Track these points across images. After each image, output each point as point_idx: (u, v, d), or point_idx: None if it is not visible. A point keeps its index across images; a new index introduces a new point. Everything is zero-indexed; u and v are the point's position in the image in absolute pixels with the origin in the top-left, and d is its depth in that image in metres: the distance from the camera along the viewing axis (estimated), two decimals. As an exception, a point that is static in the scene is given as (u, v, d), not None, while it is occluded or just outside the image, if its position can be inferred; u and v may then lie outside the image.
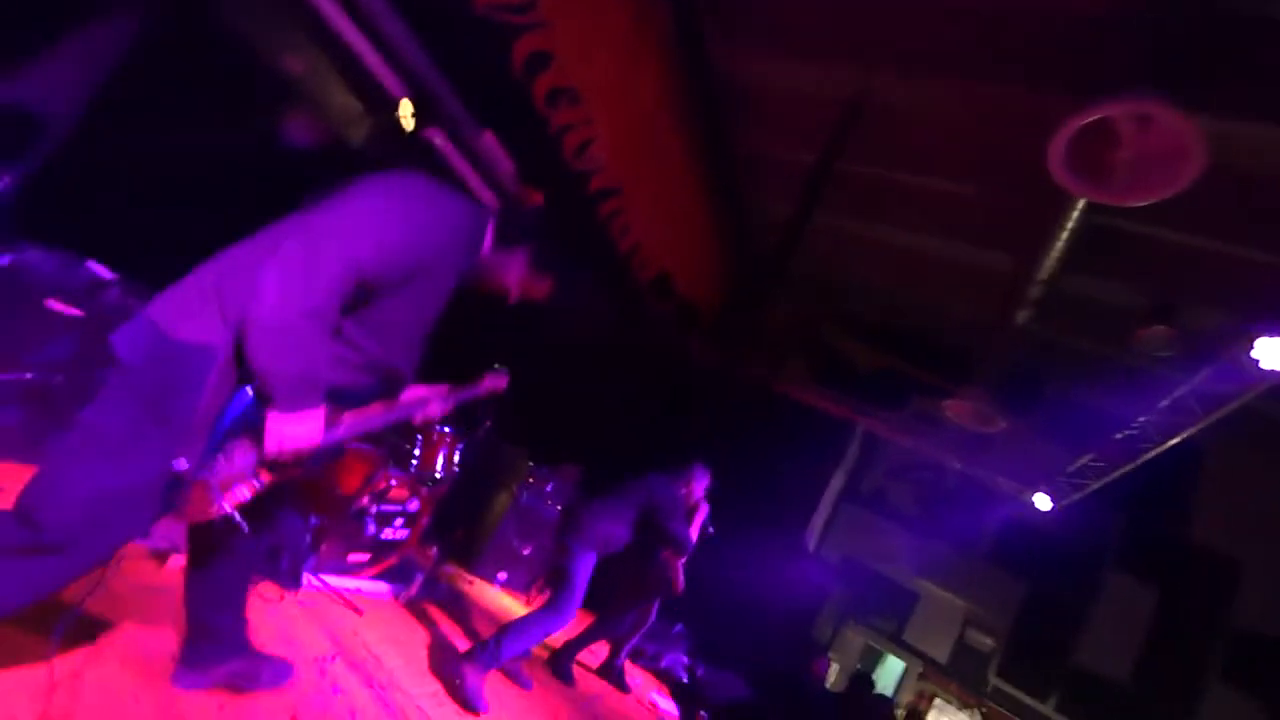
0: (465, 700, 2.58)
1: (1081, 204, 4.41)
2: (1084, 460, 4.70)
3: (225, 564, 1.68)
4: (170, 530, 2.22)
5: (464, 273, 1.55)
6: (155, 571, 2.26)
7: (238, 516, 1.26)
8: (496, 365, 1.88)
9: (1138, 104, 2.66)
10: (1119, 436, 4.06)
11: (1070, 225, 4.57)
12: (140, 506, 1.21)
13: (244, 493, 1.29)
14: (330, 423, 1.36)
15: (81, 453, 1.19)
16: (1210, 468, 7.34)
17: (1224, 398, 3.42)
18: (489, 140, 3.78)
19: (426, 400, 1.67)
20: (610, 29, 4.47)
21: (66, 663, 1.57)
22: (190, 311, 1.25)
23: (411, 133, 3.42)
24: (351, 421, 1.45)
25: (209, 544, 1.66)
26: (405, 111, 3.45)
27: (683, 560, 3.71)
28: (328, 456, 1.49)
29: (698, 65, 5.11)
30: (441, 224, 1.40)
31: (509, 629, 2.79)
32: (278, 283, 1.20)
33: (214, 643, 1.76)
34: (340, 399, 1.41)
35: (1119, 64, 3.18)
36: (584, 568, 2.97)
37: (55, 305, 1.36)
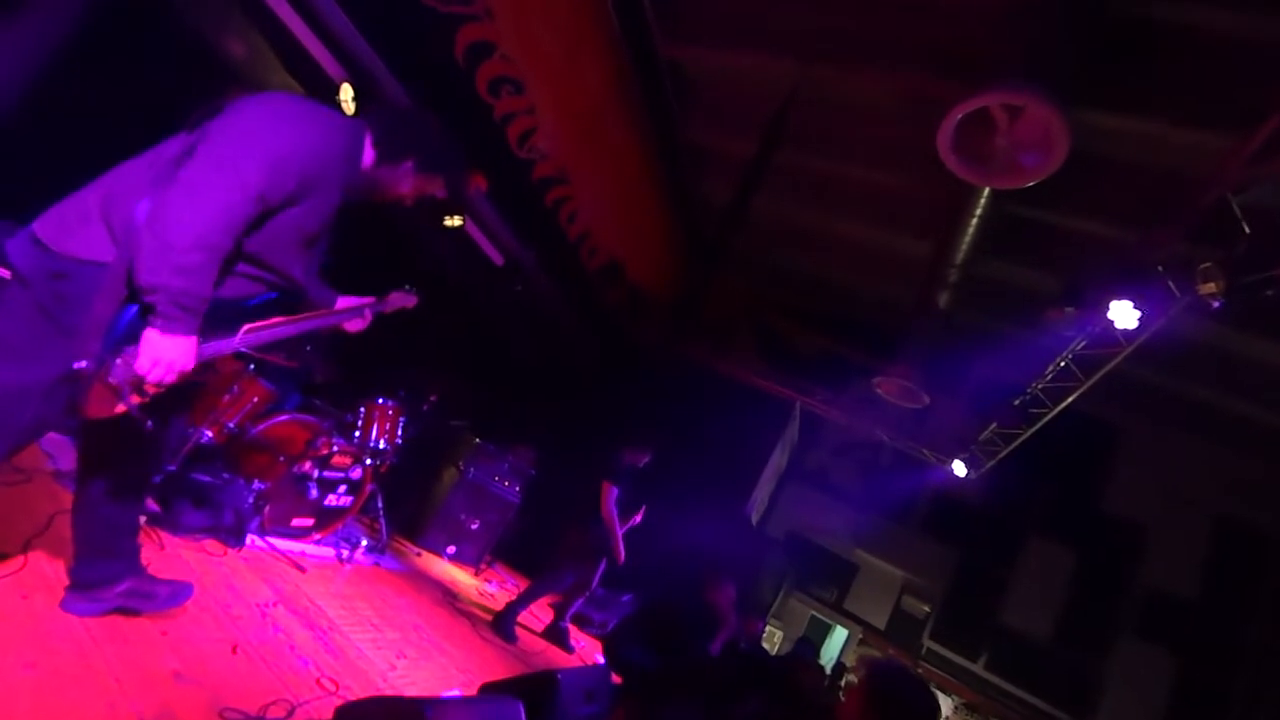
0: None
1: (987, 192, 4.81)
2: (991, 429, 5.12)
3: (117, 481, 1.68)
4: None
5: (350, 186, 1.60)
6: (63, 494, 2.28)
7: (138, 413, 1.37)
8: (407, 286, 2.00)
9: (1009, 95, 2.99)
10: (1015, 404, 4.47)
11: (979, 213, 4.98)
12: (44, 401, 1.34)
13: (136, 399, 1.39)
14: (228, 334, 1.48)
15: None
16: (1124, 444, 7.99)
17: (1099, 361, 3.83)
18: (430, 125, 3.92)
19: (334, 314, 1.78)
20: (554, 20, 4.59)
21: None
22: (73, 227, 1.35)
23: (352, 116, 3.53)
24: (251, 331, 1.54)
25: (102, 456, 1.67)
26: (345, 95, 3.57)
27: (621, 532, 4.04)
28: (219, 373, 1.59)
29: (644, 56, 5.26)
30: (322, 139, 1.48)
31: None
32: (176, 209, 1.28)
33: (107, 561, 1.73)
34: (238, 310, 1.50)
35: (1017, 57, 3.50)
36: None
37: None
